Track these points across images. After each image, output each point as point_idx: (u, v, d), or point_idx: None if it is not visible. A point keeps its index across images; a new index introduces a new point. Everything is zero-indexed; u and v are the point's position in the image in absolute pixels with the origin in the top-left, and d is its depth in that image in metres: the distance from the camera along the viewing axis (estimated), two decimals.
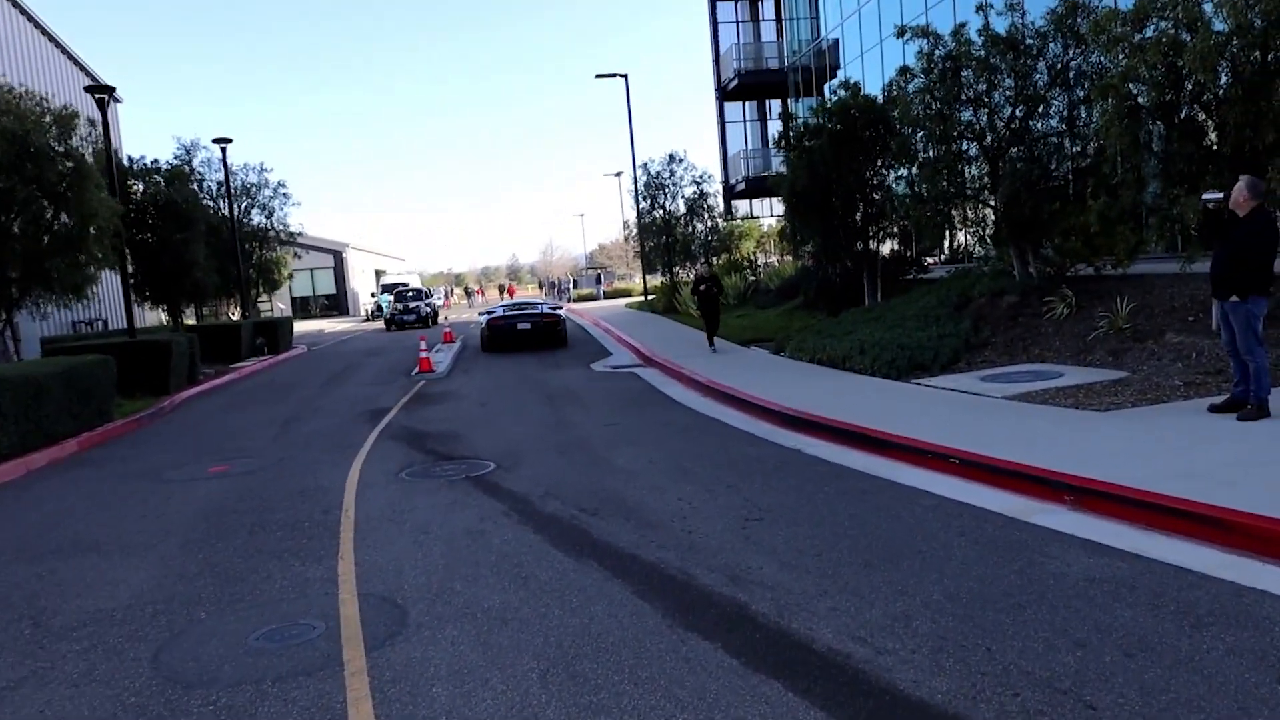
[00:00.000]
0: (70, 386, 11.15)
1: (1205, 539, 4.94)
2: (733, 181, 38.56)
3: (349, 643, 4.23)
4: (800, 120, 18.74)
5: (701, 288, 17.17)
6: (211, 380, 18.07)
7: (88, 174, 13.13)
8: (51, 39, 24.29)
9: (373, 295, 53.42)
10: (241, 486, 8.12)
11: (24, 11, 22.64)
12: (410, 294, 37.15)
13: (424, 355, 17.58)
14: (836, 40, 31.31)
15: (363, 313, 52.30)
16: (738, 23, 38.84)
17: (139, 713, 3.68)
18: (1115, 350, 10.67)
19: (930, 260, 20.81)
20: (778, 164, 22.53)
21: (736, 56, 36.56)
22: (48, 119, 12.95)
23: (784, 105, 35.52)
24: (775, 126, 32.49)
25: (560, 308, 23.52)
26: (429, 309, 35.54)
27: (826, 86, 30.00)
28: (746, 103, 39.12)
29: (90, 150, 13.53)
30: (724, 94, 38.10)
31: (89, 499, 8.11)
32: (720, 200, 36.99)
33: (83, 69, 26.05)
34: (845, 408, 9.32)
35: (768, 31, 38.40)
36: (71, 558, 6.10)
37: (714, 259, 30.44)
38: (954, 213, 15.02)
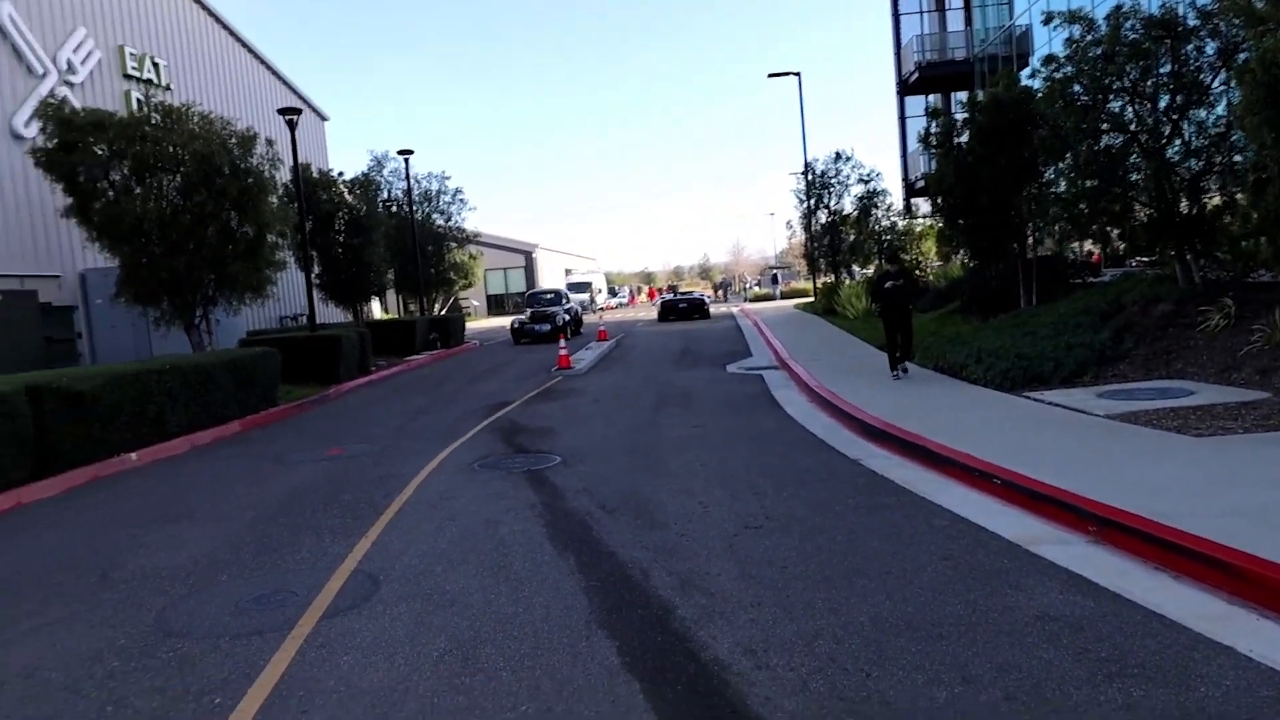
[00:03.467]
0: (235, 375, 12.77)
1: (1214, 585, 4.43)
2: (912, 178, 36.97)
3: (311, 611, 4.74)
4: (953, 115, 17.85)
5: (886, 285, 12.76)
6: (381, 371, 19.87)
7: (264, 187, 14.95)
8: (266, 65, 27.61)
9: None
10: (338, 470, 9.03)
11: (240, 40, 25.95)
12: (548, 296, 29.60)
13: (563, 352, 18.39)
14: (1027, 26, 29.29)
15: None
16: (921, 13, 37.19)
17: (120, 652, 4.36)
18: (1265, 368, 9.44)
19: (1137, 260, 19.02)
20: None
21: (918, 48, 35.04)
22: (232, 141, 14.87)
23: (970, 97, 33.59)
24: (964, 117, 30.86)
25: (707, 295, 42.60)
26: (568, 315, 28.01)
27: (1022, 75, 28.20)
28: (929, 96, 37.37)
29: (269, 166, 15.35)
30: (904, 88, 36.60)
31: (217, 474, 9.34)
32: (898, 198, 35.67)
33: (291, 89, 29.44)
34: (926, 419, 8.92)
35: (954, 21, 36.47)
36: (166, 524, 7.12)
37: (903, 256, 28.26)
38: (1113, 211, 13.76)
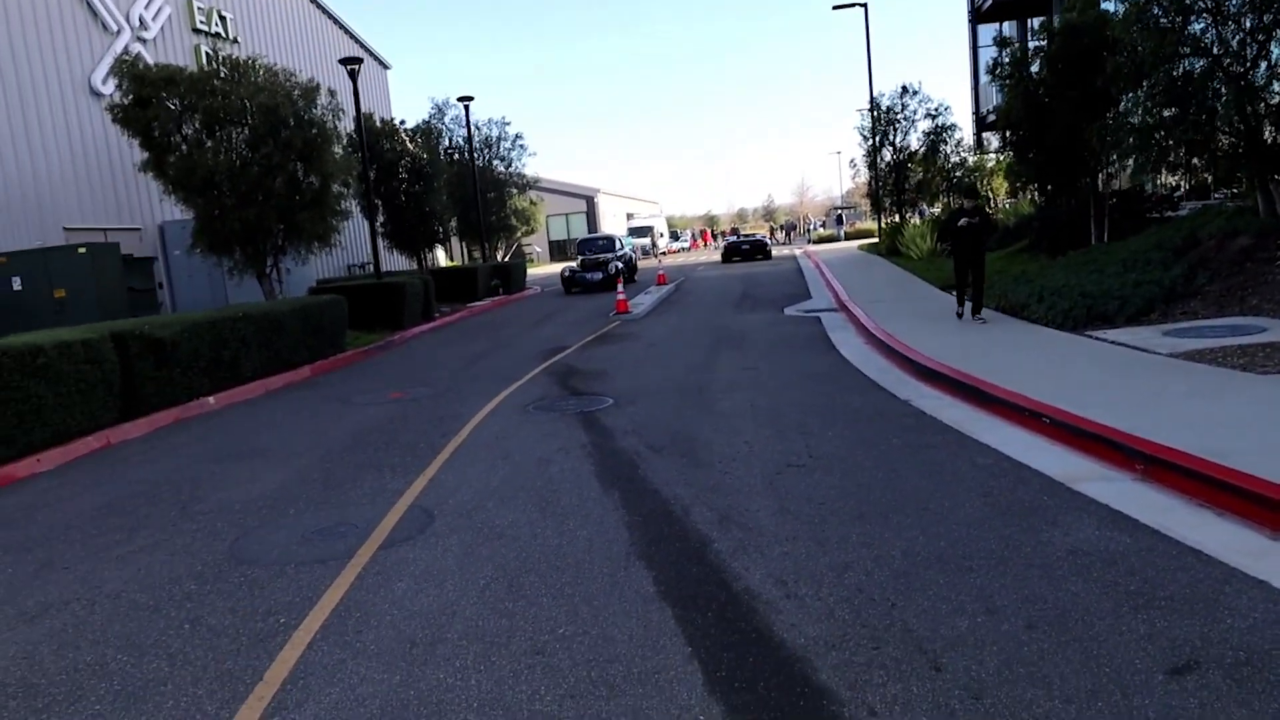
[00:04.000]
0: (305, 322, 13.26)
1: (1258, 522, 4.38)
2: (983, 111, 35.53)
3: (370, 542, 5.04)
4: (1026, 43, 17.11)
5: (960, 223, 12.07)
6: (444, 318, 20.34)
7: (328, 138, 15.29)
8: (328, 13, 27.89)
9: None
10: (399, 411, 9.40)
11: None
12: (600, 242, 27.19)
13: (621, 297, 18.53)
14: None
15: None
16: None
17: (196, 576, 4.74)
18: None
19: (1220, 193, 18.17)
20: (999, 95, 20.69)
21: None
22: (296, 93, 15.20)
23: (1044, 23, 31.99)
24: (1036, 46, 29.49)
25: (768, 238, 45.95)
26: (621, 263, 25.57)
27: None
28: (1004, 23, 35.64)
29: (332, 117, 15.68)
30: (977, 15, 35.00)
31: (288, 416, 9.81)
32: (969, 133, 34.43)
33: (353, 37, 29.73)
34: (980, 360, 8.82)
35: None
36: (243, 460, 7.56)
37: (982, 191, 27.29)
38: (1192, 140, 13.11)
